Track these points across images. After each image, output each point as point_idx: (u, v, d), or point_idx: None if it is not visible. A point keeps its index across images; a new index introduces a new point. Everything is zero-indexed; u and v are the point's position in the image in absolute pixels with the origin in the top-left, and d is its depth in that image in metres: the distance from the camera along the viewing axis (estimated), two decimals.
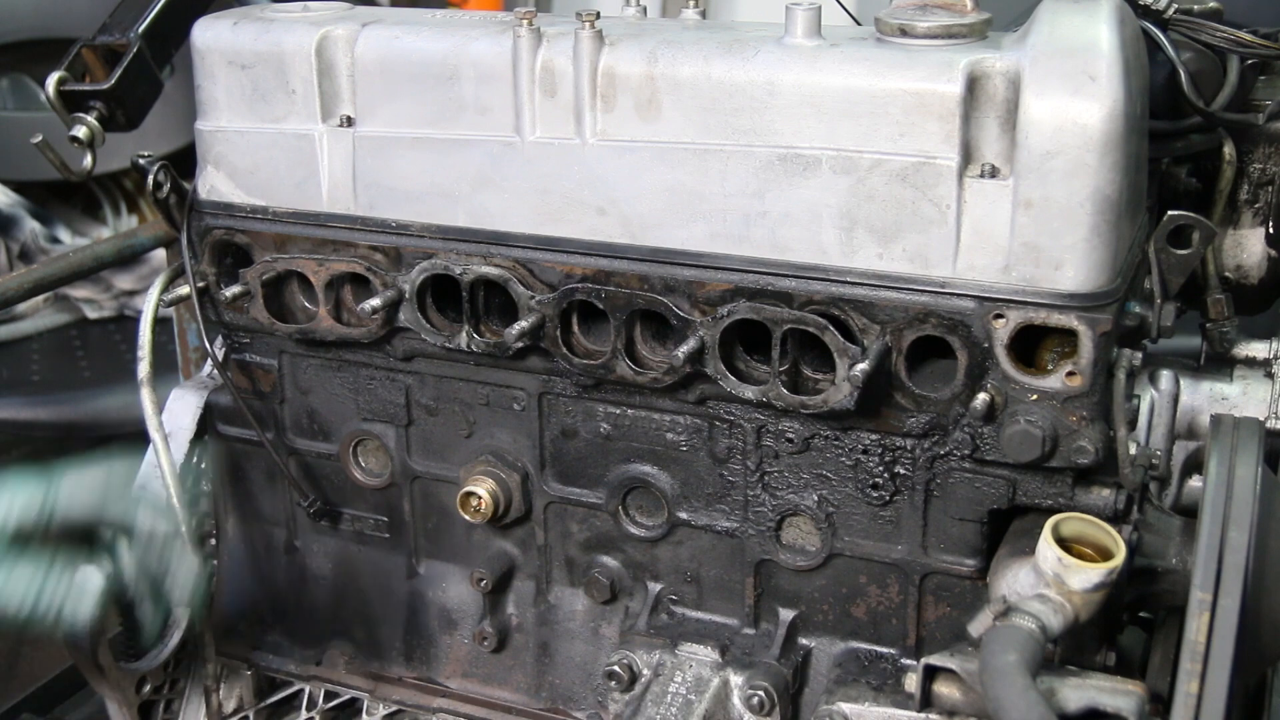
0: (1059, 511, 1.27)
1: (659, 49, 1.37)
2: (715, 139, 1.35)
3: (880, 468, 1.40)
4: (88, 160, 1.61)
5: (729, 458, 1.48)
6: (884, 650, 1.48)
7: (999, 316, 1.27)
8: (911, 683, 1.29)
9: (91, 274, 2.32)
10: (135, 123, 1.65)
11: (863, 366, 1.29)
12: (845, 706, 1.42)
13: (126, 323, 3.52)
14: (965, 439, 1.34)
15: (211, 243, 1.62)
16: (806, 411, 1.36)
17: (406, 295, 1.51)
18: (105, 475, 1.45)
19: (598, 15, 1.39)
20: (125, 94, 1.61)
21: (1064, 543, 1.21)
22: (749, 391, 1.38)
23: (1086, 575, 1.18)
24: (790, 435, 1.43)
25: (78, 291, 3.56)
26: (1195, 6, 1.51)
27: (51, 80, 1.58)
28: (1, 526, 1.35)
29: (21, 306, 3.36)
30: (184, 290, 1.63)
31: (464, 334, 1.50)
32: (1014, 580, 1.26)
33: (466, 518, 1.58)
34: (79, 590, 1.40)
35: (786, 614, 1.52)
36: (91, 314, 3.57)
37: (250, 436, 1.71)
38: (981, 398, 1.29)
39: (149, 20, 1.65)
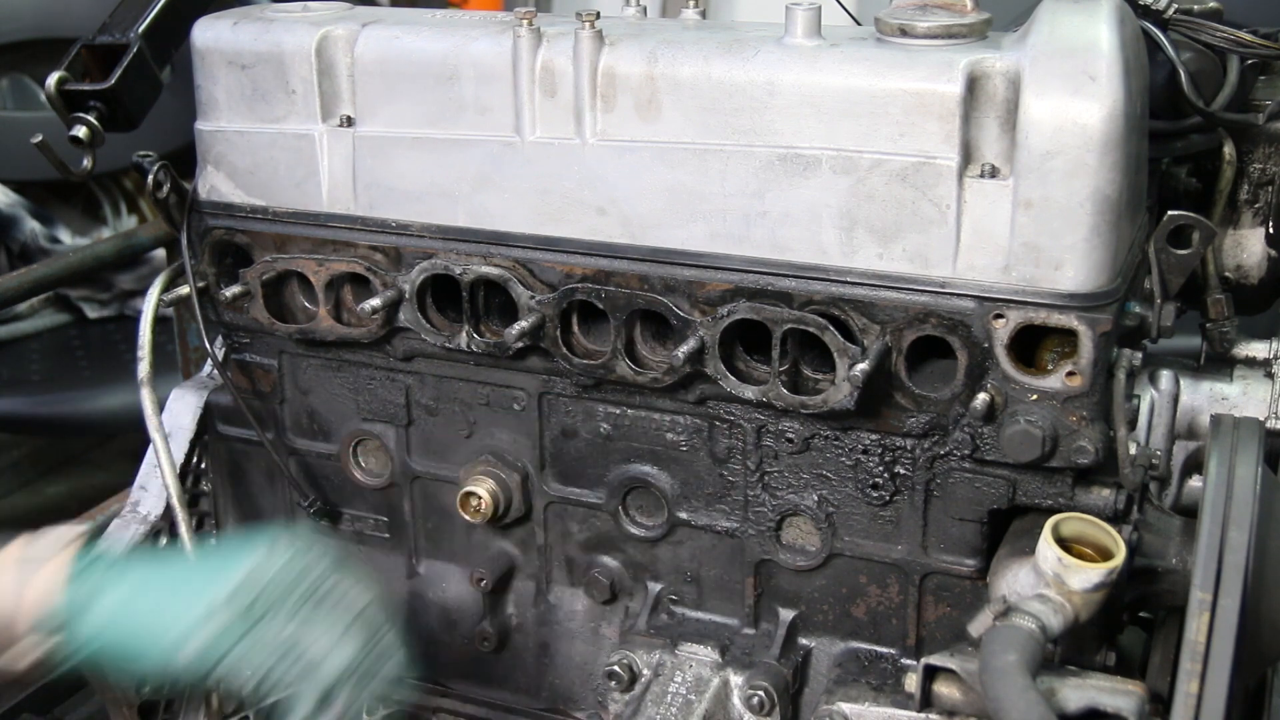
0: (1059, 511, 1.27)
1: (659, 49, 1.37)
2: (715, 139, 1.35)
3: (880, 468, 1.40)
4: (87, 160, 1.61)
5: (729, 458, 1.47)
6: (884, 650, 1.48)
7: (999, 316, 1.27)
8: (911, 683, 1.29)
9: (91, 274, 2.32)
10: (135, 123, 1.65)
11: (863, 366, 1.29)
12: (845, 706, 1.42)
13: (126, 323, 3.51)
14: (965, 439, 1.34)
15: (211, 243, 1.62)
16: (806, 411, 1.36)
17: (406, 295, 1.51)
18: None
19: (598, 15, 1.39)
20: (125, 94, 1.61)
21: (1064, 543, 1.21)
22: (749, 391, 1.38)
23: (1086, 575, 1.18)
24: (790, 435, 1.43)
25: (77, 291, 3.56)
26: (1195, 6, 1.51)
27: (51, 80, 1.58)
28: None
29: (21, 306, 3.36)
30: (184, 290, 1.63)
31: (464, 334, 1.50)
32: (1014, 580, 1.26)
33: (466, 518, 1.58)
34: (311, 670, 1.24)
35: (786, 614, 1.52)
36: (91, 314, 3.57)
37: (250, 436, 1.71)
38: (981, 398, 1.29)
39: (149, 20, 1.65)
